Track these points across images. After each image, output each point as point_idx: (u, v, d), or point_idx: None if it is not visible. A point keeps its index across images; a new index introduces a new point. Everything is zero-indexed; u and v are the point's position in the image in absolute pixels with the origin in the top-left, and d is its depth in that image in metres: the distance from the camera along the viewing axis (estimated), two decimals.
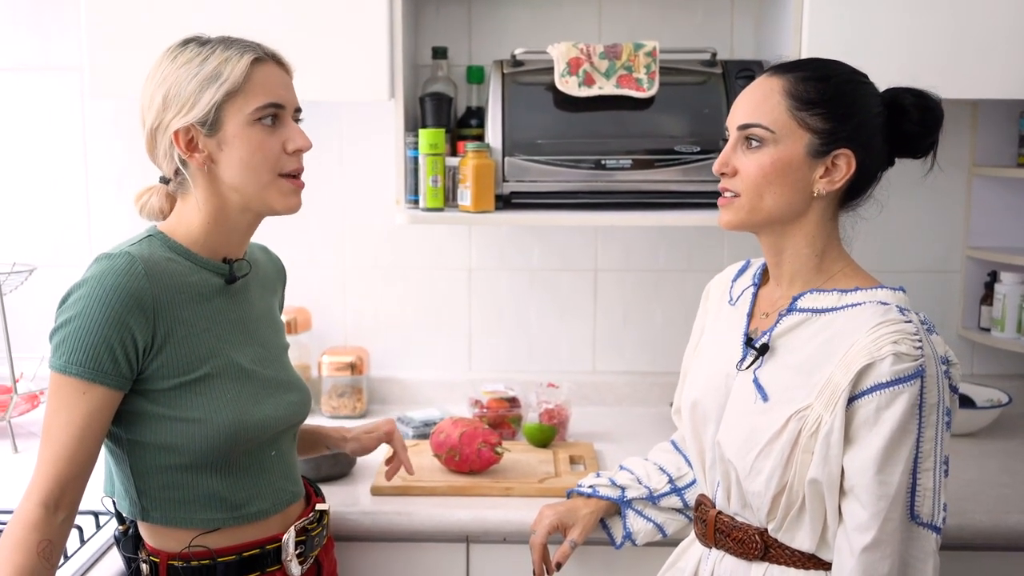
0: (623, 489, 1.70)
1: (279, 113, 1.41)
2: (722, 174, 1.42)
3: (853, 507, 1.31)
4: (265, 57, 1.41)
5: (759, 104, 1.39)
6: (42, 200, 2.45)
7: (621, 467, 1.76)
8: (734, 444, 1.41)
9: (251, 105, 1.38)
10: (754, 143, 1.38)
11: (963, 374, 2.42)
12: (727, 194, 1.42)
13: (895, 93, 1.42)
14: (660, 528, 1.69)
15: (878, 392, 1.28)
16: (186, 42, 1.42)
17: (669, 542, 1.67)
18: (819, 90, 1.37)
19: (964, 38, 2.02)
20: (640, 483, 1.70)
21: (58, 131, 2.44)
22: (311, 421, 2.25)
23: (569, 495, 1.76)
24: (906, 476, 1.29)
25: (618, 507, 1.70)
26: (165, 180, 1.45)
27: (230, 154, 1.38)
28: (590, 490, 1.72)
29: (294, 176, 1.43)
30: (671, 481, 1.69)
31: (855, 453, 1.30)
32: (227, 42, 1.41)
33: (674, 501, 1.68)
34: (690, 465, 1.68)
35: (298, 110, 1.46)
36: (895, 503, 1.29)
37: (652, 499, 1.69)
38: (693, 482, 1.67)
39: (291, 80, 1.46)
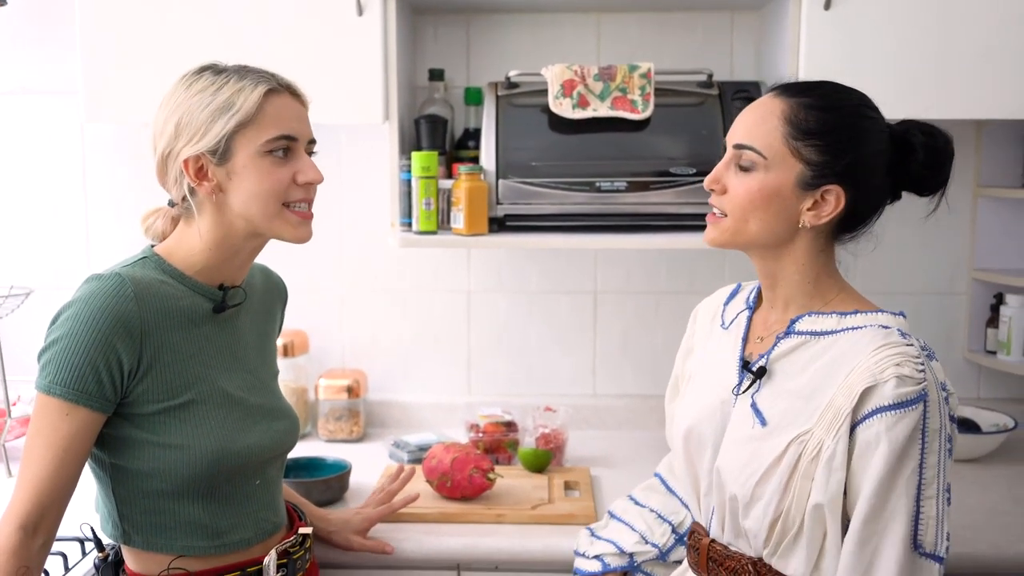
0: (631, 556, 1.62)
1: (291, 145, 1.40)
2: (712, 190, 1.41)
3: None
4: (279, 88, 1.40)
5: (756, 125, 1.36)
6: (41, 223, 2.46)
7: (615, 517, 1.68)
8: (733, 471, 1.38)
9: (262, 137, 1.37)
10: (746, 165, 1.36)
11: (969, 398, 2.41)
12: (715, 211, 1.41)
13: (905, 129, 1.38)
14: None
15: (880, 415, 1.25)
16: (202, 70, 1.41)
17: None
18: (820, 120, 1.33)
19: (962, 58, 1.99)
20: (646, 542, 1.62)
21: (58, 154, 2.44)
22: (308, 446, 2.28)
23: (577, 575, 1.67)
24: (909, 503, 1.25)
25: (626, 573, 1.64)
26: (172, 203, 1.45)
27: (239, 184, 1.38)
28: (599, 565, 1.63)
29: (302, 205, 1.42)
30: (674, 530, 1.62)
31: (856, 478, 1.27)
32: (242, 72, 1.40)
33: (680, 552, 1.61)
34: (683, 503, 1.63)
35: (312, 142, 1.46)
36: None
37: (662, 557, 1.62)
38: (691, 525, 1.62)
39: (306, 112, 1.45)
